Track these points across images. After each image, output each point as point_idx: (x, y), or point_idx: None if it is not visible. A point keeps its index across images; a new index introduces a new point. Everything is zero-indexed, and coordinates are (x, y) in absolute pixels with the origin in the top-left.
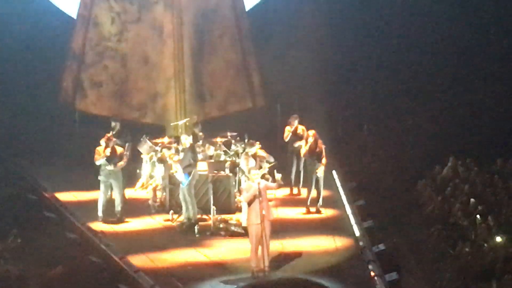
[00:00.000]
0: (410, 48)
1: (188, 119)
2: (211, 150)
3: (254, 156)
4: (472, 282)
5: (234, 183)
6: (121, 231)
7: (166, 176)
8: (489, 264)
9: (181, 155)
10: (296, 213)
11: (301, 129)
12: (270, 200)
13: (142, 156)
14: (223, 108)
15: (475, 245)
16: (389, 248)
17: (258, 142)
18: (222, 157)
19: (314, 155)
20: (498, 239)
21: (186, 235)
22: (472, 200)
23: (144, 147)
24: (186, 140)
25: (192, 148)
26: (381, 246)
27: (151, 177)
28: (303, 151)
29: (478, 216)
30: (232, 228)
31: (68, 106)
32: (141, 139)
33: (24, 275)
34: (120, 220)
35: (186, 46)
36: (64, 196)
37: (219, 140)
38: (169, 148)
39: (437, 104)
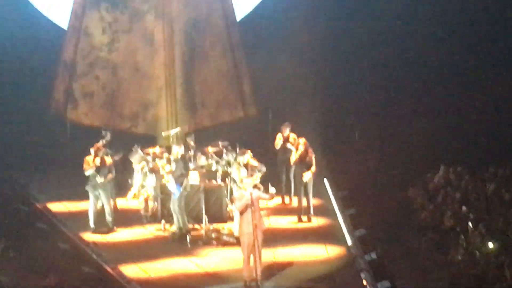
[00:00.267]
0: (402, 57)
1: (180, 128)
2: (202, 160)
3: (246, 165)
4: None
5: (226, 192)
6: (113, 241)
7: (157, 186)
8: (481, 272)
9: (173, 165)
10: (287, 222)
11: (292, 137)
12: (261, 209)
13: (133, 166)
14: (215, 117)
15: (467, 253)
16: (381, 256)
17: (249, 151)
18: (214, 167)
19: (304, 163)
20: (490, 246)
21: (178, 244)
22: (464, 207)
23: (136, 157)
24: (178, 151)
25: (183, 159)
26: (373, 255)
27: (142, 187)
28: (293, 158)
29: (470, 223)
30: (224, 237)
31: (59, 116)
32: (133, 148)
33: (16, 286)
34: (111, 230)
35: (177, 56)
36: (56, 207)
37: (210, 149)
38: (161, 158)
39: (429, 111)
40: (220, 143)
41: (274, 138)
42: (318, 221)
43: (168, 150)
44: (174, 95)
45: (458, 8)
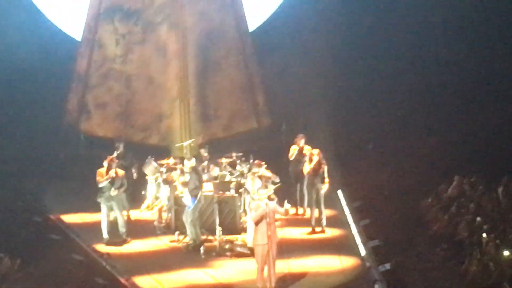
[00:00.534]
0: (415, 66)
1: (193, 139)
2: (215, 171)
3: (260, 176)
4: None
5: (239, 203)
6: (126, 253)
7: (171, 197)
8: (495, 283)
9: (187, 176)
10: (301, 233)
11: (306, 149)
12: (276, 221)
13: (147, 177)
14: (228, 128)
15: (482, 264)
16: (395, 267)
17: (263, 162)
18: (227, 178)
19: (317, 174)
20: (505, 257)
21: (192, 256)
22: (478, 218)
23: (149, 168)
24: (189, 164)
25: (196, 171)
26: (387, 266)
27: (156, 198)
28: (306, 169)
29: (484, 234)
30: (238, 248)
31: (73, 128)
32: (146, 160)
33: None
34: (125, 242)
35: (190, 67)
36: (70, 218)
37: (224, 160)
38: (175, 169)
39: (443, 122)
40: (234, 154)
41: (288, 149)
42: (332, 232)
43: (182, 161)
44: (187, 106)
45: (475, 18)
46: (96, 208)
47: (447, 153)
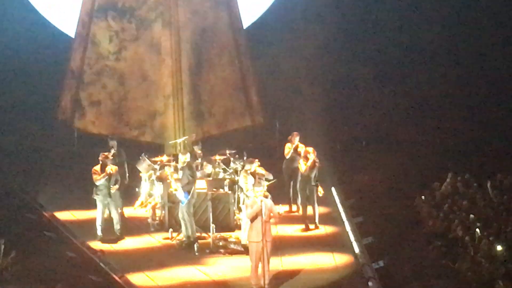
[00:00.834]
0: (409, 64)
1: (187, 137)
2: (208, 168)
3: (253, 173)
4: None
5: (233, 200)
6: (120, 250)
7: (165, 195)
8: (488, 280)
9: (180, 173)
10: (295, 230)
11: (301, 146)
12: (270, 218)
13: (141, 174)
14: (222, 125)
15: (475, 261)
16: (389, 264)
17: (257, 160)
18: (221, 175)
19: (312, 172)
20: (498, 255)
21: (186, 253)
22: (471, 216)
23: (143, 166)
24: (184, 159)
25: (189, 166)
26: (381, 263)
27: (150, 195)
28: (303, 167)
29: (477, 232)
30: (232, 245)
31: (67, 125)
32: (140, 157)
33: None
34: (119, 239)
35: (184, 64)
36: (63, 215)
37: (218, 157)
38: (168, 167)
39: (436, 119)
40: (228, 152)
41: (282, 146)
42: (325, 229)
43: (176, 158)
44: (181, 103)
45: (473, 19)
46: (90, 206)
47: (441, 150)
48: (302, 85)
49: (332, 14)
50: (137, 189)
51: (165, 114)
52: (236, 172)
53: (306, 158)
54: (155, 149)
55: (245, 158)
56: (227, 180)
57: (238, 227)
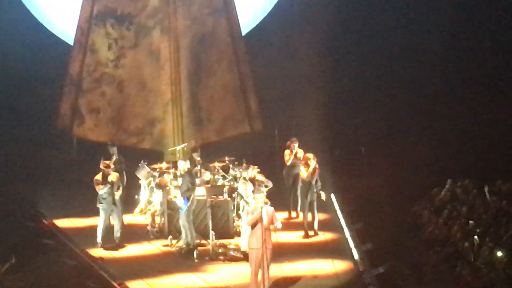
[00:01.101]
0: (409, 70)
1: (186, 144)
2: (207, 175)
3: (252, 180)
4: None
5: (232, 207)
6: (120, 257)
7: (164, 202)
8: (487, 286)
9: (179, 180)
10: (295, 236)
11: (300, 152)
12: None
13: (140, 181)
14: (221, 132)
15: (474, 267)
16: (389, 271)
17: (256, 166)
18: (220, 182)
19: (313, 179)
20: (497, 260)
21: (185, 260)
22: (470, 222)
23: (142, 173)
24: (184, 166)
25: (189, 173)
26: (381, 269)
27: (149, 202)
28: (304, 174)
29: (476, 237)
30: (231, 252)
31: (66, 133)
32: (139, 164)
33: None
34: (119, 246)
35: (183, 71)
36: (63, 223)
37: (217, 164)
38: (168, 174)
39: (435, 125)
40: (227, 158)
41: (281, 153)
42: (325, 236)
43: (175, 165)
44: (180, 110)
45: (475, 22)
46: (89, 213)
47: (440, 156)
48: (301, 92)
49: (331, 20)
50: (136, 196)
51: (164, 121)
52: (235, 179)
53: (307, 165)
54: (154, 156)
55: (244, 165)
56: (227, 187)
57: (238, 234)
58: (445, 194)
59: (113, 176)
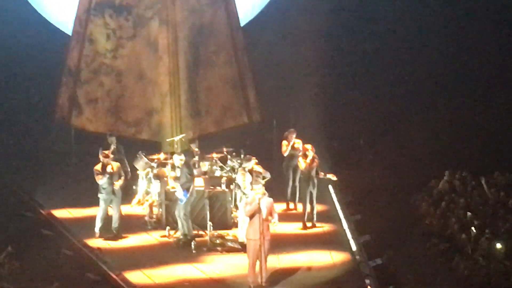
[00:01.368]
0: (407, 62)
1: (184, 135)
2: (205, 166)
3: (250, 171)
4: None
5: (230, 198)
6: (117, 248)
7: (162, 192)
8: (485, 278)
9: (177, 171)
10: (292, 228)
11: (297, 143)
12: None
13: (138, 172)
14: (219, 123)
15: (472, 259)
16: (386, 262)
17: (254, 157)
18: (217, 173)
19: (312, 169)
20: (495, 252)
21: (183, 251)
22: (468, 214)
23: (140, 164)
24: (179, 160)
25: (187, 164)
26: (378, 261)
27: (147, 193)
28: (303, 165)
29: (473, 229)
30: (229, 243)
31: (64, 123)
32: (137, 155)
33: None
34: (117, 237)
35: (181, 62)
36: (61, 213)
37: (215, 155)
38: (165, 165)
39: (433, 117)
40: (225, 149)
41: (279, 144)
42: (323, 227)
43: (172, 156)
44: (178, 101)
45: (468, 16)
46: (87, 203)
47: (438, 148)
48: (299, 83)
49: (331, 10)
50: (134, 187)
51: (162, 112)
52: (233, 170)
53: (305, 155)
54: (152, 147)
55: (242, 156)
56: (224, 178)
57: (235, 225)
58: (443, 186)
59: (112, 166)
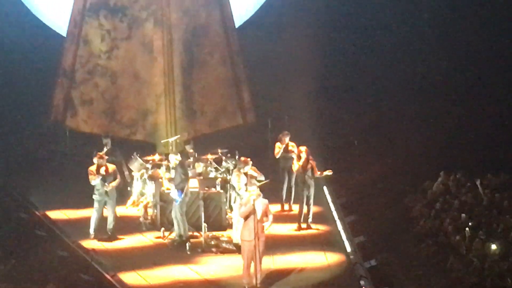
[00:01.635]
0: (401, 63)
1: (179, 136)
2: (200, 167)
3: (245, 172)
4: None
5: (225, 200)
6: (112, 249)
7: (157, 194)
8: (480, 279)
9: (172, 172)
10: (287, 229)
11: (291, 145)
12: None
13: (133, 173)
14: (214, 124)
15: (466, 260)
16: (381, 263)
17: (249, 159)
18: (212, 174)
19: (306, 171)
20: (492, 251)
21: (178, 252)
22: (463, 215)
23: (135, 165)
24: (175, 160)
25: (182, 165)
26: (373, 262)
27: (142, 194)
28: (295, 167)
29: (467, 230)
30: (224, 245)
31: (59, 124)
32: (132, 156)
33: None
34: (112, 238)
35: (176, 63)
36: (55, 214)
37: (210, 157)
38: (160, 166)
39: (428, 119)
40: (220, 151)
41: (274, 146)
42: (317, 228)
43: (168, 157)
44: (173, 102)
45: (461, 16)
46: (82, 205)
47: (433, 149)
48: (294, 84)
49: (325, 13)
50: (129, 188)
51: (157, 113)
52: (228, 171)
53: (299, 158)
54: (147, 148)
55: (237, 157)
56: (219, 179)
57: (230, 226)
58: (438, 187)
59: (107, 168)
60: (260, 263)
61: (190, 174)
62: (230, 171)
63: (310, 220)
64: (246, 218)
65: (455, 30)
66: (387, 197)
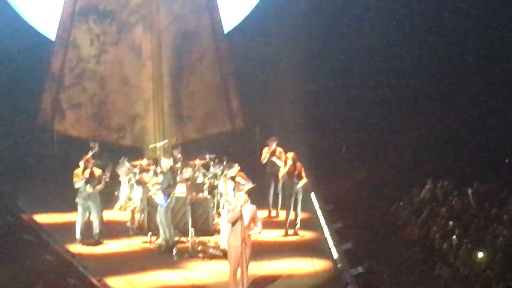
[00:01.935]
0: (389, 72)
1: (167, 141)
2: (188, 172)
3: (233, 178)
4: None
5: (212, 205)
6: (99, 253)
7: (144, 198)
8: (466, 287)
9: (160, 177)
10: (274, 235)
11: (279, 151)
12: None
13: (120, 178)
14: (202, 130)
15: (453, 267)
16: (368, 270)
17: (237, 164)
18: (199, 179)
19: (292, 177)
20: (477, 261)
21: (165, 257)
22: (450, 222)
23: (123, 169)
24: (167, 163)
25: (171, 170)
26: (360, 269)
27: (129, 199)
28: (281, 173)
29: (455, 238)
30: (211, 250)
31: (46, 128)
32: (120, 161)
33: None
34: (98, 242)
35: (165, 68)
36: (42, 218)
37: (197, 162)
38: (148, 171)
39: (415, 126)
40: (208, 156)
41: (261, 151)
42: (304, 235)
43: (155, 162)
44: (161, 107)
45: (455, 21)
46: (69, 209)
47: (420, 156)
48: (282, 90)
49: (314, 19)
50: (116, 193)
51: (145, 117)
52: (215, 176)
53: (286, 164)
54: (135, 153)
55: (225, 162)
56: (207, 185)
57: (217, 232)
58: (425, 194)
59: (93, 172)
60: (247, 269)
61: (178, 179)
62: (218, 177)
63: (297, 226)
64: (233, 223)
65: (450, 35)
66: (374, 204)
